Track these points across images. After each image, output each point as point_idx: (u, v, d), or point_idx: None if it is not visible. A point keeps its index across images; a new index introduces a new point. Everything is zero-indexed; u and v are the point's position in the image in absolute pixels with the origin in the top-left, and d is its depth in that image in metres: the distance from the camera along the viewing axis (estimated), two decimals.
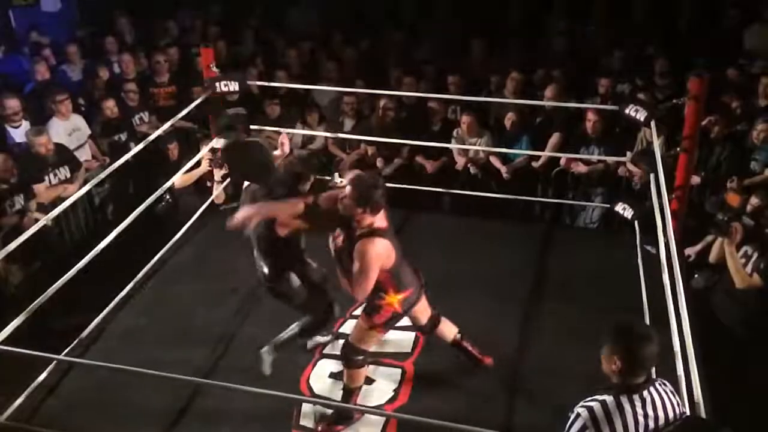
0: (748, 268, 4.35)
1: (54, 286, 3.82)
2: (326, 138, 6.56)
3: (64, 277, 3.88)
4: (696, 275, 4.95)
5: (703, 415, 2.56)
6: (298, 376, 3.94)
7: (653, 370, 2.49)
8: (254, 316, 4.46)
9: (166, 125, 5.26)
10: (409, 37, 8.13)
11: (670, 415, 2.41)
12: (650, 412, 2.37)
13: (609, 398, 2.38)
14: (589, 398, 2.42)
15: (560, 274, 4.80)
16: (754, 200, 4.69)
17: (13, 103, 6.14)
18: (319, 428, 3.56)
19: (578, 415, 2.38)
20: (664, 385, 2.48)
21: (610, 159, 5.72)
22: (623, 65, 6.96)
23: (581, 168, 5.92)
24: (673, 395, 2.47)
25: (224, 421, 3.63)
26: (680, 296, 3.27)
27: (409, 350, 4.13)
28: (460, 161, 6.21)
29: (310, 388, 3.87)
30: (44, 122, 6.23)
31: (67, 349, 4.07)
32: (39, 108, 6.68)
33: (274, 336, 4.18)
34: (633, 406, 2.36)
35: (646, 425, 2.36)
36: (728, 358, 4.19)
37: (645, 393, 2.39)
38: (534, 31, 8.10)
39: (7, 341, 3.40)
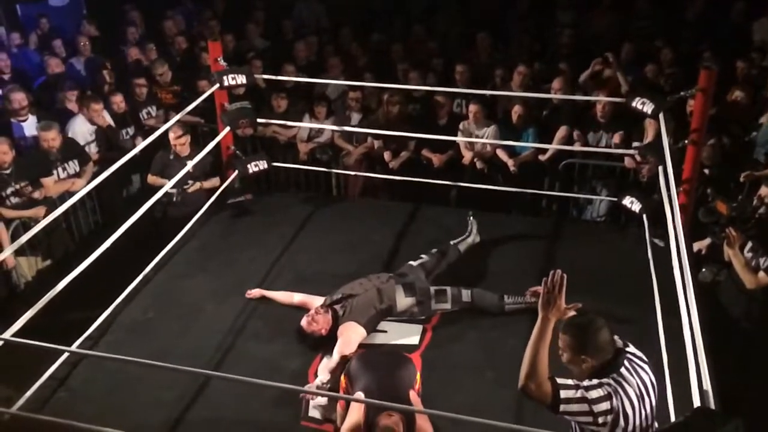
0: (754, 263, 4.34)
1: (64, 279, 3.83)
2: (332, 131, 6.57)
3: (75, 270, 3.89)
4: (703, 269, 4.93)
5: (713, 406, 2.56)
6: (306, 368, 3.95)
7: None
8: (261, 310, 4.47)
9: (173, 120, 5.26)
10: (417, 31, 8.13)
11: (651, 376, 2.61)
12: (637, 380, 2.54)
13: (609, 379, 2.51)
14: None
15: (567, 268, 4.71)
16: (764, 191, 4.66)
17: (19, 97, 6.18)
18: None
19: (601, 383, 2.49)
20: (630, 354, 2.63)
21: (618, 152, 5.71)
22: (631, 57, 6.93)
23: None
24: (642, 361, 2.63)
25: (232, 413, 3.64)
26: (689, 289, 3.26)
27: (417, 342, 4.14)
28: (467, 155, 6.21)
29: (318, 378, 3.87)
30: (54, 115, 6.26)
31: (77, 342, 4.08)
32: (50, 101, 6.73)
33: (280, 329, 4.24)
34: (625, 379, 2.52)
35: (640, 391, 2.54)
36: (735, 350, 4.19)
37: (624, 369, 2.54)
38: (541, 23, 8.08)
39: (18, 334, 3.42)
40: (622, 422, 2.47)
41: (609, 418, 2.46)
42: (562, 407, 2.45)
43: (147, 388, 3.76)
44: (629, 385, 2.52)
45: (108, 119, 6.40)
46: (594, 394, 2.45)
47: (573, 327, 2.56)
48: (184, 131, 5.68)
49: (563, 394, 2.44)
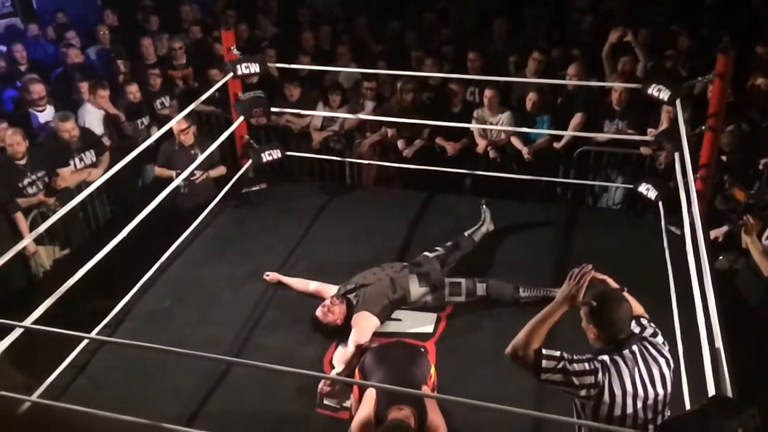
0: None
1: (83, 268, 3.87)
2: (345, 119, 6.55)
3: (93, 259, 3.93)
4: (720, 257, 4.89)
5: (730, 394, 2.55)
6: (321, 357, 3.98)
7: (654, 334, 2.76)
8: (277, 298, 4.50)
9: (188, 109, 5.26)
10: (429, 18, 8.09)
11: (664, 370, 2.64)
12: (641, 367, 2.60)
13: (605, 357, 2.60)
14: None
15: (583, 256, 4.69)
16: None
17: (38, 88, 6.24)
18: None
19: (590, 359, 2.59)
20: (649, 343, 2.68)
21: (634, 138, 5.66)
22: (648, 42, 6.85)
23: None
24: (660, 354, 2.66)
25: (248, 400, 3.67)
26: (706, 277, 3.23)
27: (431, 331, 4.15)
28: (481, 144, 6.17)
29: (334, 368, 3.89)
30: (71, 106, 6.31)
31: (95, 330, 4.13)
32: (66, 92, 6.77)
33: (295, 318, 4.27)
34: (625, 362, 2.59)
35: (641, 379, 2.58)
36: (752, 338, 4.16)
37: (628, 351, 2.61)
38: (558, 8, 8.01)
39: (37, 323, 3.46)
40: (606, 399, 2.55)
41: (593, 392, 2.55)
42: (543, 375, 2.56)
43: (165, 376, 3.80)
44: (627, 368, 2.58)
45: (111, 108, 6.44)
46: (577, 367, 2.55)
47: (593, 297, 2.66)
48: (190, 123, 5.70)
49: (545, 364, 2.55)
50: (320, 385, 3.63)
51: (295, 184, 6.16)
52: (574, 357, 2.58)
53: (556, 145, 6.07)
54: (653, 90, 4.66)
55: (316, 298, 4.30)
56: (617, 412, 2.56)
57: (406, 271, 4.29)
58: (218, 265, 4.87)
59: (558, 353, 2.58)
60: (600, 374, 2.55)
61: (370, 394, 3.25)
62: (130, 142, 5.96)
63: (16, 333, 3.35)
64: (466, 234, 4.71)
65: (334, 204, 5.62)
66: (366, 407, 3.23)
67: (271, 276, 4.61)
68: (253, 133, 5.93)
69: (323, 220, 5.40)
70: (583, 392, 2.55)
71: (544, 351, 2.58)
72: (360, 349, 3.79)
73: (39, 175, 5.45)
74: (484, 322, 4.19)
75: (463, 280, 4.29)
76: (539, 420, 3.33)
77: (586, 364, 2.56)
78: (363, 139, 6.48)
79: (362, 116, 6.37)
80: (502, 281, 4.33)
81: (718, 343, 2.81)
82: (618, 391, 2.55)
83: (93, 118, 6.26)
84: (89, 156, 5.89)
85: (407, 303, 4.23)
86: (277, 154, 5.75)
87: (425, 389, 3.37)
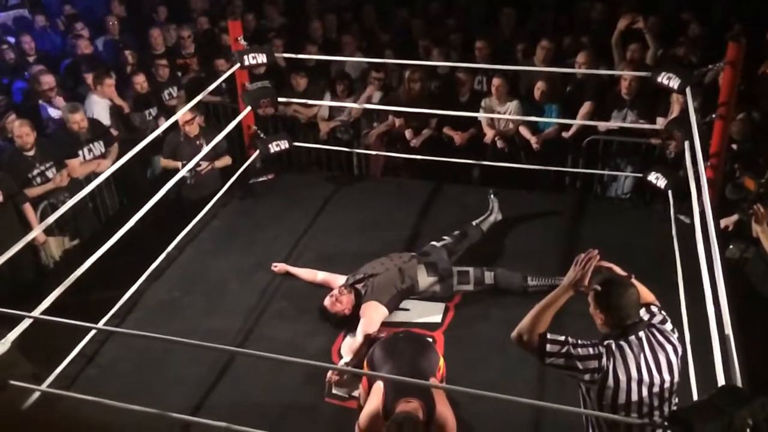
0: None
1: (90, 259, 3.89)
2: (352, 109, 6.53)
3: (100, 250, 3.95)
4: (731, 246, 4.86)
5: (739, 383, 2.54)
6: (329, 347, 3.98)
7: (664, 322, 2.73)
8: (285, 288, 4.50)
9: (195, 100, 5.26)
10: (435, 7, 8.04)
11: (672, 356, 2.63)
12: (647, 353, 2.60)
13: (610, 341, 2.62)
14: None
15: (592, 246, 4.68)
16: None
17: (48, 79, 6.26)
18: None
19: (594, 344, 2.62)
20: (657, 330, 2.67)
21: (644, 127, 5.61)
22: (658, 30, 6.79)
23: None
24: (667, 341, 2.66)
25: (256, 390, 3.69)
26: (716, 266, 3.21)
27: (439, 320, 4.15)
28: (489, 133, 6.14)
29: (342, 358, 3.89)
30: (79, 97, 6.31)
31: (103, 320, 4.15)
32: (75, 83, 6.79)
33: (303, 308, 4.27)
34: (630, 347, 2.59)
35: (647, 365, 2.58)
36: (763, 328, 4.13)
37: (634, 337, 2.61)
38: None
39: (47, 313, 3.48)
40: (611, 383, 2.56)
41: (597, 376, 2.56)
42: (548, 359, 2.59)
43: (173, 365, 3.82)
44: (633, 353, 2.58)
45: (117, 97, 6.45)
46: (581, 351, 2.57)
47: (601, 282, 2.68)
48: (195, 114, 5.69)
49: (549, 348, 2.58)
50: (329, 375, 3.64)
51: (302, 175, 6.17)
52: (579, 341, 2.60)
53: (565, 134, 6.04)
54: (663, 78, 4.61)
55: (324, 288, 4.30)
56: (622, 397, 2.56)
57: (415, 261, 4.29)
58: (226, 255, 4.88)
59: (562, 338, 2.59)
60: (604, 359, 2.56)
61: (378, 388, 3.25)
62: (139, 134, 5.96)
63: (26, 323, 3.37)
64: (474, 223, 4.70)
65: (342, 194, 5.61)
66: (374, 400, 3.23)
67: (279, 267, 4.61)
68: (260, 124, 5.92)
69: (331, 210, 5.40)
70: (587, 376, 2.56)
71: (548, 335, 2.59)
72: (368, 339, 3.79)
73: (47, 165, 5.46)
74: (492, 311, 4.18)
75: (471, 269, 4.28)
76: (547, 409, 3.32)
77: (591, 349, 2.57)
78: (370, 129, 6.46)
79: (369, 106, 6.34)
80: (510, 270, 4.32)
81: (728, 331, 2.80)
82: (623, 377, 2.55)
83: (100, 108, 6.27)
84: (98, 147, 5.90)
85: (415, 293, 4.23)
86: (284, 144, 5.75)
87: (433, 381, 3.37)
